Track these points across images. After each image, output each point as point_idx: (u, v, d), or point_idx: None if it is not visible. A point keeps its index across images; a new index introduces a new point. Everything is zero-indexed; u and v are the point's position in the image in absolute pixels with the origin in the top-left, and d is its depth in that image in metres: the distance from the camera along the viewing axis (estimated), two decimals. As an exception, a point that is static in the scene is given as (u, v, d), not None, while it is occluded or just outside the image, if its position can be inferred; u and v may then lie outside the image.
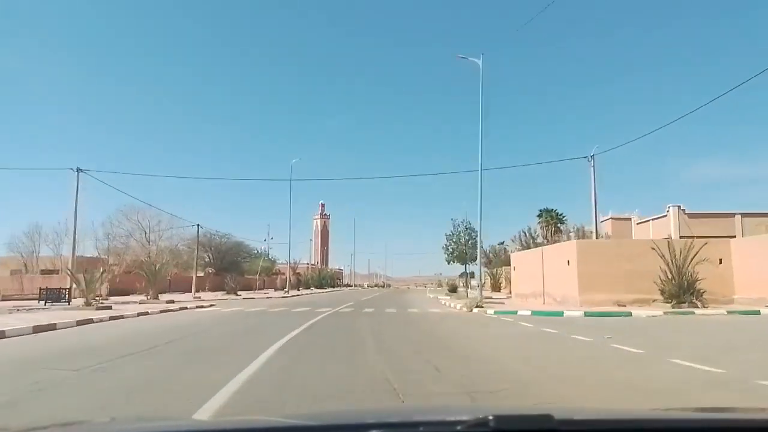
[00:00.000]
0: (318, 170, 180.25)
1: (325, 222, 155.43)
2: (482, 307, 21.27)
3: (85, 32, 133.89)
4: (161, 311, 20.46)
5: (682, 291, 18.66)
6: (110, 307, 20.56)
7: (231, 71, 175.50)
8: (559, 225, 57.57)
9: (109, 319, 16.77)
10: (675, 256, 19.15)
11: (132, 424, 2.55)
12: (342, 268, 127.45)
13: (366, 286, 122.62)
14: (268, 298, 39.41)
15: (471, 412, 1.76)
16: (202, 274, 62.93)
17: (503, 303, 25.46)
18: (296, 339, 11.15)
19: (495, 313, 19.13)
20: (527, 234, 58.87)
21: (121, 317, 17.48)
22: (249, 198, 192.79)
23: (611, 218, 63.95)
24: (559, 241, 55.75)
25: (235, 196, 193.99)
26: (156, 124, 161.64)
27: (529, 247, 58.51)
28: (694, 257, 18.89)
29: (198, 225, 40.95)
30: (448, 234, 32.52)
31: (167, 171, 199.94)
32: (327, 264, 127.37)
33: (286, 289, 47.01)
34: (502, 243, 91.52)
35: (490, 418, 1.36)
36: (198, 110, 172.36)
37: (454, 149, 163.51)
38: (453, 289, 45.20)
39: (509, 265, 62.21)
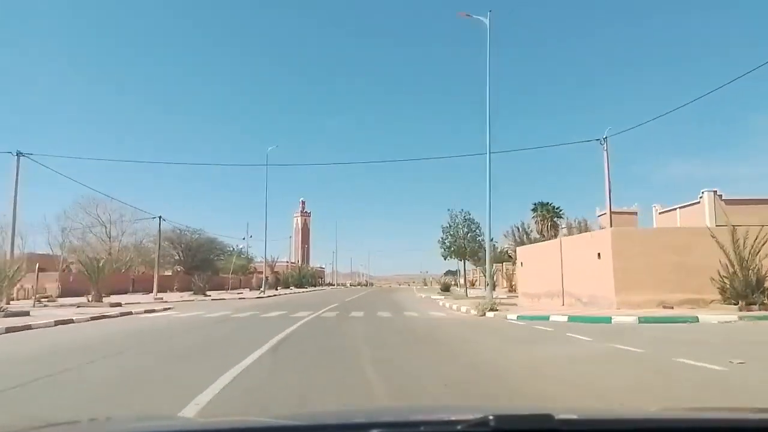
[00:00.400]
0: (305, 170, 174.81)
1: (305, 220, 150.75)
2: (497, 310, 17.35)
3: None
4: (92, 318, 16.09)
5: (750, 290, 14.96)
6: (26, 313, 16.15)
7: (227, 71, 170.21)
8: (555, 220, 54.33)
9: None
10: (739, 246, 15.46)
11: (128, 424, 2.39)
12: (323, 266, 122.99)
13: (348, 285, 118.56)
14: (240, 298, 35.06)
15: (471, 411, 1.72)
16: (171, 273, 58.20)
17: (515, 305, 21.60)
18: (249, 374, 6.82)
19: (519, 318, 15.21)
20: (520, 229, 55.41)
21: (28, 327, 13.11)
22: (229, 196, 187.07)
23: (611, 212, 60.96)
24: (556, 237, 52.50)
25: (214, 194, 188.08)
26: (155, 124, 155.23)
27: (522, 243, 55.21)
28: (762, 247, 15.21)
29: (160, 217, 36.36)
30: (444, 226, 28.68)
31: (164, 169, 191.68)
32: (308, 263, 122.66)
33: (262, 289, 42.64)
34: (492, 239, 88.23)
35: (491, 417, 1.34)
36: (198, 109, 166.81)
37: (454, 146, 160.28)
38: (446, 288, 41.38)
39: (503, 262, 58.75)
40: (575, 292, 19.99)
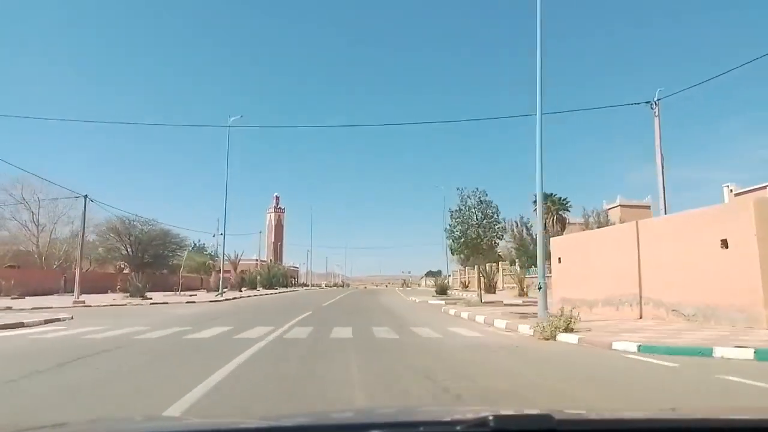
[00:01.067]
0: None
1: (279, 216, 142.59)
2: (574, 331, 10.64)
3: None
4: None
5: None
6: None
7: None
8: (561, 213, 48.11)
9: None
10: None
11: (122, 424, 2.40)
12: (297, 266, 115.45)
13: (324, 285, 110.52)
14: (188, 302, 27.78)
15: (471, 412, 1.72)
16: (115, 271, 50.24)
17: (575, 319, 14.97)
18: None
19: (641, 350, 8.42)
20: (519, 224, 49.09)
21: None
22: (201, 195, 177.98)
23: (620, 206, 55.15)
24: (563, 232, 46.14)
25: (188, 192, 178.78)
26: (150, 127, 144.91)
27: (522, 240, 48.94)
28: None
29: (86, 197, 28.54)
30: (453, 210, 21.91)
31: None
32: (281, 261, 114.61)
33: (220, 291, 35.24)
34: (543, 230, 79.28)
35: (490, 418, 1.33)
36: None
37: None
38: (443, 291, 34.67)
39: (497, 261, 52.22)
40: (667, 299, 13.46)
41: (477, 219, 21.71)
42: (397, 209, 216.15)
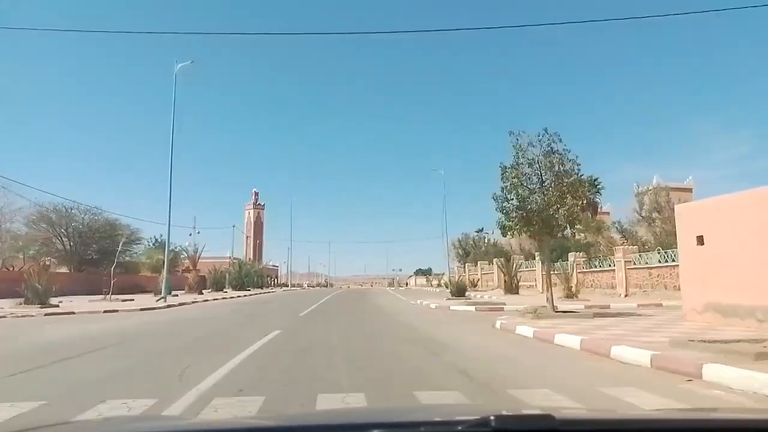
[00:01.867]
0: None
1: (259, 213, 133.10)
2: None
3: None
4: None
5: None
6: None
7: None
8: (592, 196, 40.28)
9: None
10: None
11: (126, 424, 2.35)
12: (277, 265, 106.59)
13: (306, 285, 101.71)
14: (108, 312, 19.26)
15: (472, 412, 1.75)
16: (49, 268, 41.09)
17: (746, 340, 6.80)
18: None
19: None
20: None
21: None
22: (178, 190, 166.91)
23: (657, 187, 47.42)
24: (593, 219, 38.21)
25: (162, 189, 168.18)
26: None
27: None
28: None
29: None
30: (506, 168, 13.68)
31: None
32: (260, 260, 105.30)
33: (162, 296, 26.46)
34: (481, 230, 73.11)
35: (491, 418, 1.31)
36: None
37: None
38: (461, 291, 26.43)
39: (503, 256, 44.12)
40: None
41: (546, 176, 13.57)
42: (384, 207, 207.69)
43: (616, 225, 41.44)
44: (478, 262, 56.23)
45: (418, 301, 25.91)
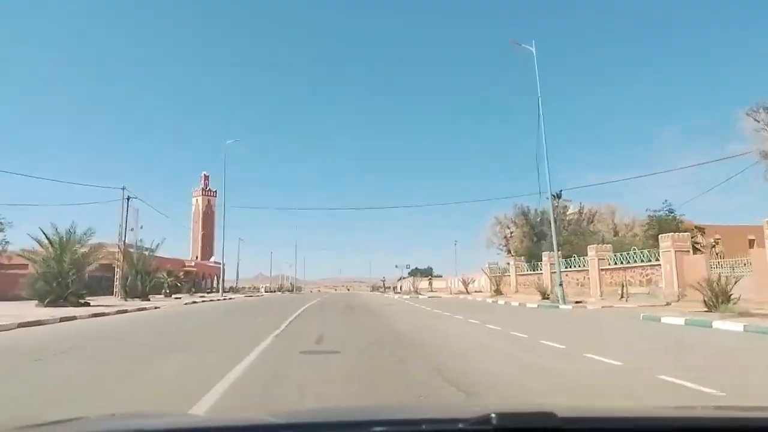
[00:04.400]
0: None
1: (209, 200, 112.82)
2: None
3: None
4: None
5: None
6: None
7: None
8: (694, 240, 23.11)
9: None
10: None
11: (130, 420, 2.14)
12: (219, 262, 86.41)
13: (263, 290, 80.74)
14: None
15: (473, 410, 1.69)
16: None
17: None
18: None
19: None
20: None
21: None
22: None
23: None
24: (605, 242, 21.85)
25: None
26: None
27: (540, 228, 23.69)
28: None
29: None
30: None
31: None
32: (211, 256, 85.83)
33: None
34: (560, 194, 44.12)
35: (493, 415, 1.30)
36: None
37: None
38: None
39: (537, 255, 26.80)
40: None
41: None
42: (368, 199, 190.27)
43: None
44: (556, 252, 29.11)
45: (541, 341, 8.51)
